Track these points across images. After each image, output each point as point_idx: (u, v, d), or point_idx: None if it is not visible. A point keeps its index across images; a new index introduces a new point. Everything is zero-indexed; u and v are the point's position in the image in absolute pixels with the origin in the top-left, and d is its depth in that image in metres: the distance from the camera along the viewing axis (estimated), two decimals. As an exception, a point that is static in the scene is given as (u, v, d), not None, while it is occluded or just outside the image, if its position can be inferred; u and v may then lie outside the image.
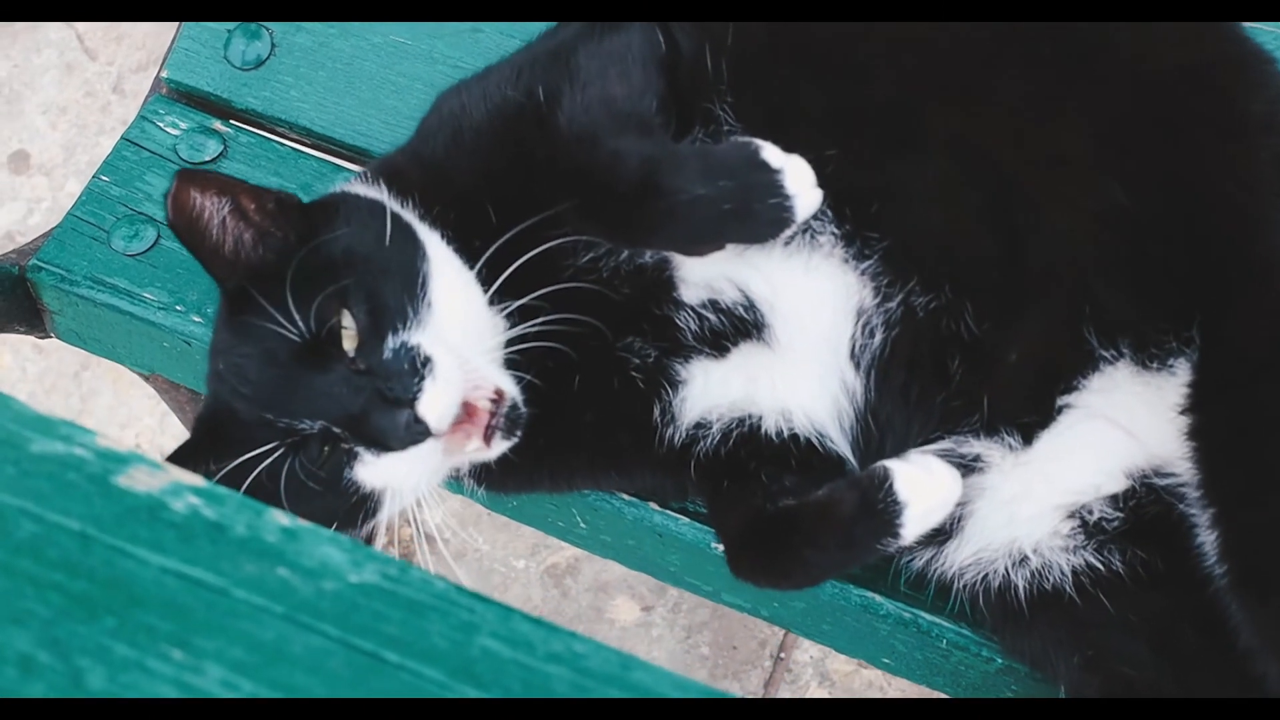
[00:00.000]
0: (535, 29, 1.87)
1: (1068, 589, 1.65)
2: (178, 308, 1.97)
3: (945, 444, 1.67)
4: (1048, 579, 1.66)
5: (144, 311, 1.98)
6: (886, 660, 1.83)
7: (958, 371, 1.64)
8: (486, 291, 1.66)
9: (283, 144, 2.11)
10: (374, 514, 1.63)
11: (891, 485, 1.60)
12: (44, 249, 2.02)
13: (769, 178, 1.53)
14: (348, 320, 1.57)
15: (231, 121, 2.12)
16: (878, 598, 1.77)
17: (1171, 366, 1.61)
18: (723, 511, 1.74)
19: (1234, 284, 1.57)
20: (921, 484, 1.62)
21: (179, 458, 1.64)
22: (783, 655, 2.82)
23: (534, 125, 1.65)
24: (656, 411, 1.71)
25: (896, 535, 1.60)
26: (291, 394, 1.58)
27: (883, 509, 1.60)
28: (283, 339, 1.57)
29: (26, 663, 0.87)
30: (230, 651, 0.90)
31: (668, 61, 1.67)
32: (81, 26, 3.51)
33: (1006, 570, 1.68)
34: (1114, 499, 1.66)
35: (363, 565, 0.95)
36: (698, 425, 1.72)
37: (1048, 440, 1.67)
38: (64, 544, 0.93)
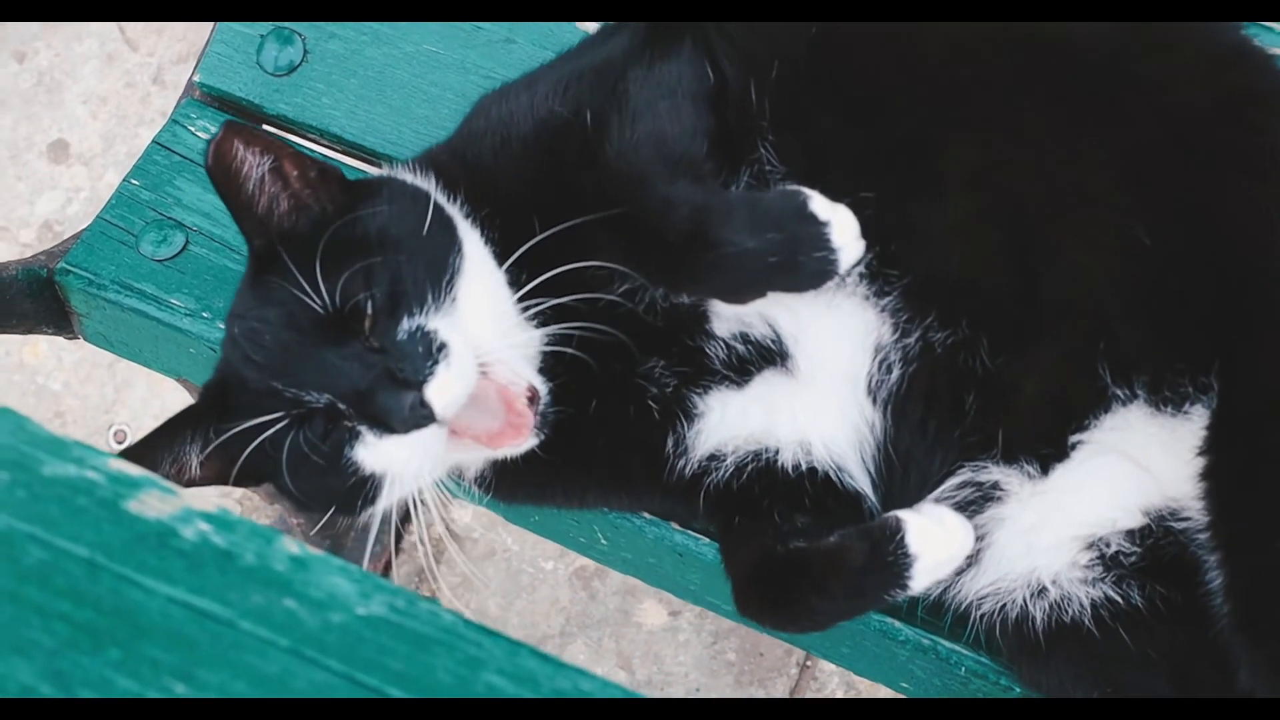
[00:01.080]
0: (569, 40, 1.87)
1: (1086, 622, 1.65)
2: (204, 314, 1.97)
3: (964, 473, 1.66)
4: (1066, 611, 1.66)
5: (170, 317, 1.98)
6: (905, 684, 1.83)
7: (973, 407, 1.63)
8: (518, 293, 1.65)
9: (313, 151, 2.09)
10: (373, 500, 1.61)
11: (903, 538, 1.59)
12: (72, 252, 2.02)
13: (816, 230, 1.54)
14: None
15: (263, 127, 2.10)
16: (896, 623, 1.77)
17: (1187, 412, 1.60)
18: (732, 547, 1.73)
19: (1256, 325, 1.55)
20: (933, 537, 1.61)
21: (182, 421, 1.65)
22: (809, 663, 2.81)
23: (579, 147, 1.64)
24: (670, 443, 1.70)
25: (905, 587, 1.60)
26: (303, 365, 1.57)
27: (893, 561, 1.59)
28: (305, 308, 1.57)
29: (28, 695, 0.87)
30: (233, 686, 0.90)
31: (715, 95, 1.66)
32: (123, 18, 3.52)
33: (1024, 601, 1.67)
34: (1131, 534, 1.66)
35: (370, 597, 0.95)
36: (711, 457, 1.71)
37: (1063, 472, 1.66)
38: (71, 572, 0.93)
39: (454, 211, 1.67)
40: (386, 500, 1.62)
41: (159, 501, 0.97)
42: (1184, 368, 1.59)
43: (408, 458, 1.57)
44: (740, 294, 1.59)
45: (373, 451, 1.57)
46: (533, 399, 1.61)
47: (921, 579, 1.60)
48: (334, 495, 1.62)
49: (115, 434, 3.17)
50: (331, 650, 0.92)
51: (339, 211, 1.63)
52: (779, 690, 2.81)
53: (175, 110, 2.14)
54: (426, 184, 1.69)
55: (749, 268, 1.54)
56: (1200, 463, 1.54)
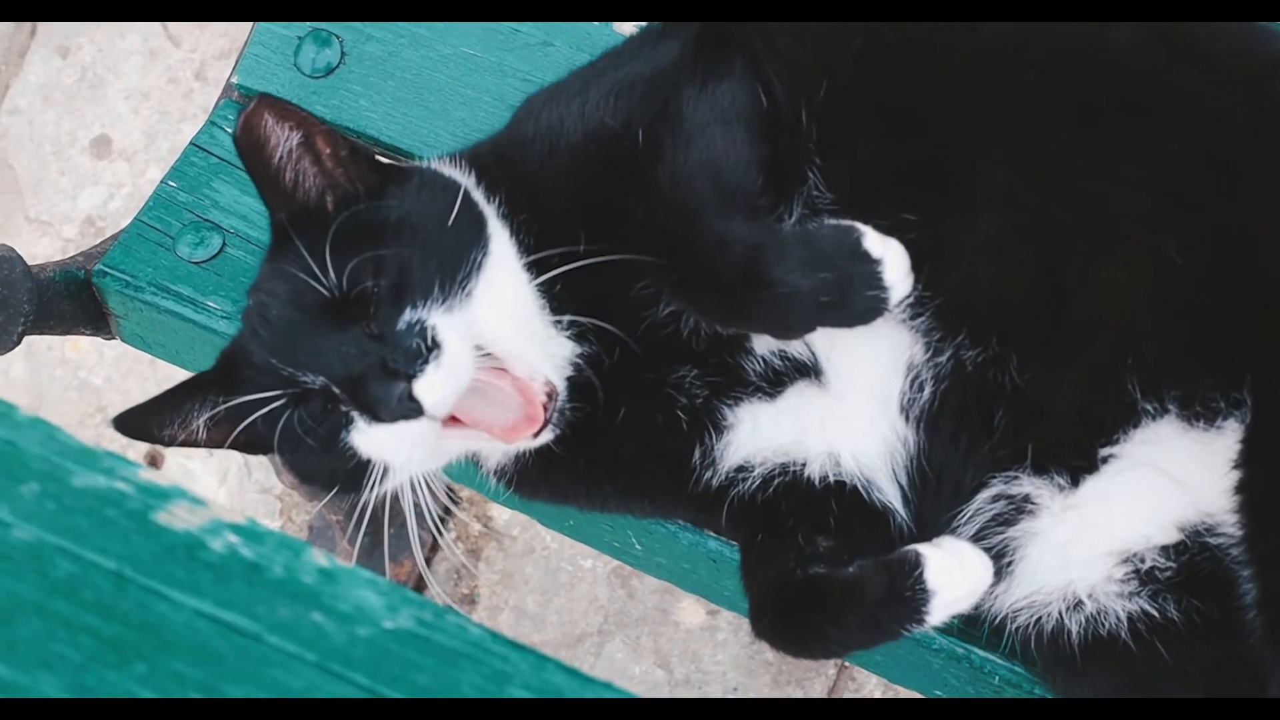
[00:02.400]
0: (607, 42, 1.86)
1: (1123, 635, 1.63)
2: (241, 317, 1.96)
3: (996, 485, 1.65)
4: (1103, 625, 1.64)
5: (207, 320, 1.98)
6: (938, 692, 1.82)
7: (1002, 422, 1.62)
8: (550, 303, 1.66)
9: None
10: (374, 484, 1.62)
11: (922, 573, 1.57)
12: (110, 254, 2.03)
13: (869, 268, 1.53)
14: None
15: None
16: (931, 631, 1.75)
17: (1220, 426, 1.58)
18: (752, 566, 1.73)
19: None
20: (952, 573, 1.59)
21: (191, 386, 1.68)
22: (846, 663, 2.80)
23: (629, 165, 1.63)
24: (697, 454, 1.70)
25: (921, 622, 1.58)
26: (302, 345, 1.59)
27: (909, 596, 1.57)
28: (310, 288, 1.58)
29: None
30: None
31: (768, 120, 1.64)
32: (165, 13, 3.53)
33: (1060, 614, 1.66)
34: (1165, 550, 1.64)
35: (398, 610, 0.95)
36: (739, 469, 1.70)
37: (1094, 485, 1.64)
38: (99, 585, 0.93)
39: (487, 209, 1.68)
40: (384, 486, 1.63)
41: (188, 513, 0.97)
42: (1216, 383, 1.57)
43: (396, 447, 1.59)
44: (789, 331, 1.59)
45: (365, 438, 1.59)
46: (550, 395, 1.61)
47: (938, 614, 1.58)
48: (333, 476, 1.64)
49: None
50: (358, 664, 0.92)
51: (369, 192, 1.64)
52: (817, 690, 2.80)
53: (213, 112, 2.14)
54: (463, 178, 1.70)
55: (800, 307, 1.54)
56: (1234, 477, 1.53)
